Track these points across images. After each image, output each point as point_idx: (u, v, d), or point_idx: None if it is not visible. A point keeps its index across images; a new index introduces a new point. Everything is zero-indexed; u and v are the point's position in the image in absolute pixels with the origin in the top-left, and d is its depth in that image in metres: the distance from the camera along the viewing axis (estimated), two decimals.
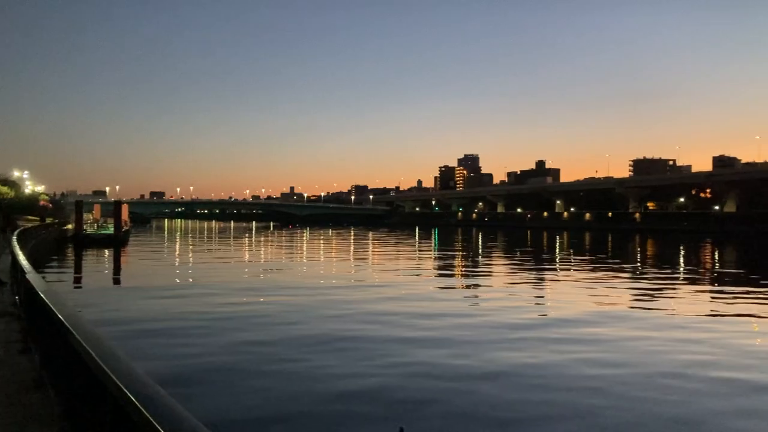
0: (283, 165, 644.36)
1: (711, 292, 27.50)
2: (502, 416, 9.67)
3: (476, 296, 25.55)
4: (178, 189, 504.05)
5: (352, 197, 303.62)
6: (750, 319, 19.60)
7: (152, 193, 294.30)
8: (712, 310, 21.53)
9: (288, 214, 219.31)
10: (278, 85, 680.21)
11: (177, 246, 63.35)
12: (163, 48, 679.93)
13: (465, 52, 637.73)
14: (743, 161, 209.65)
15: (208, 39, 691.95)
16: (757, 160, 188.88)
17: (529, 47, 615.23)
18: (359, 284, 28.89)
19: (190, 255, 49.72)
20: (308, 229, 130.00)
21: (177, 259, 44.67)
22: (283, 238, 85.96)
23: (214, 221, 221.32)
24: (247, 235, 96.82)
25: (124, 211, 65.77)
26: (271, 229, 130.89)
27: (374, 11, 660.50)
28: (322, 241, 75.99)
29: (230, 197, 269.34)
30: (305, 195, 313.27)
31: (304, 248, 61.57)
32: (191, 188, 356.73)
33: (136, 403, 2.61)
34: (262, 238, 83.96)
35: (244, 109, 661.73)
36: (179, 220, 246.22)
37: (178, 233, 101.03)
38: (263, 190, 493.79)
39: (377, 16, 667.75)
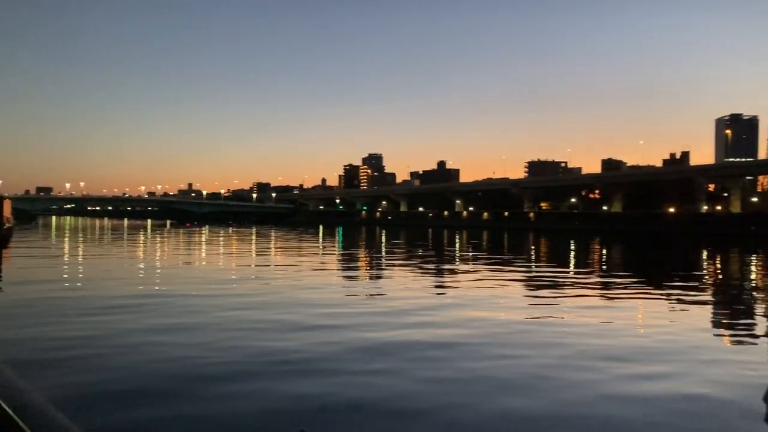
0: (181, 161, 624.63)
1: (593, 285, 28.89)
2: (406, 407, 9.63)
3: (376, 292, 25.58)
4: (68, 185, 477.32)
5: (254, 195, 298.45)
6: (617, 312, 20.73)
7: (39, 189, 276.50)
8: (594, 303, 22.60)
9: (186, 212, 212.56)
10: (176, 79, 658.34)
11: (65, 245, 59.79)
12: (56, 39, 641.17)
13: (369, 52, 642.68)
14: (628, 164, 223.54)
15: (105, 33, 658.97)
16: (641, 164, 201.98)
17: (431, 50, 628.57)
18: (256, 284, 28.27)
19: (78, 255, 47.00)
20: (207, 227, 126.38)
21: (62, 259, 42.07)
22: (180, 236, 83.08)
23: (106, 219, 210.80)
24: (141, 233, 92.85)
25: (6, 206, 61.15)
26: (168, 227, 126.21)
27: (281, 10, 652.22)
28: (221, 240, 74.04)
29: (124, 194, 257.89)
30: (204, 192, 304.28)
31: (202, 247, 59.72)
32: (82, 184, 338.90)
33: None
34: (158, 237, 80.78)
35: (139, 103, 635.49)
36: (69, 217, 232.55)
37: (67, 231, 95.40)
38: (159, 186, 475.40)
39: (282, 14, 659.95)
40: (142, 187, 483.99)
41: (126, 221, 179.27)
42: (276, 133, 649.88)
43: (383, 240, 79.64)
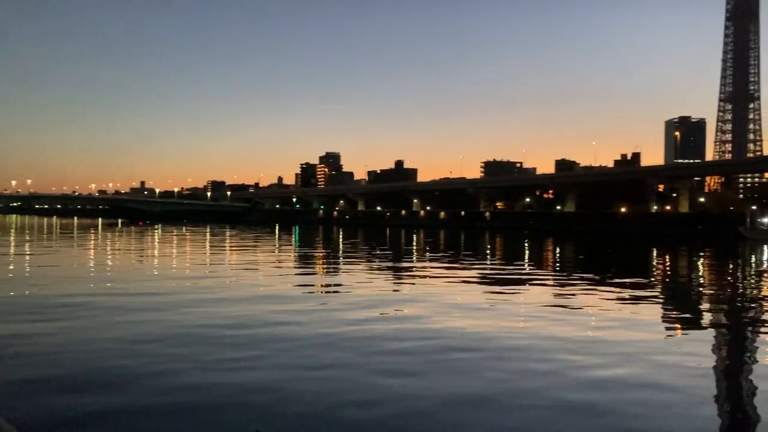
0: (133, 159, 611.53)
1: (544, 284, 29.28)
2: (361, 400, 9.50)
3: (331, 290, 25.39)
4: (14, 182, 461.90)
5: (209, 193, 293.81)
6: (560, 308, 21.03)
7: None
8: (545, 301, 22.88)
9: (138, 211, 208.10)
10: (128, 76, 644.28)
11: (10, 244, 57.81)
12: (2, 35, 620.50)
13: (327, 52, 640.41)
14: (581, 165, 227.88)
15: (52, 28, 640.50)
16: (593, 164, 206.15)
17: (388, 51, 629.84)
18: (209, 283, 27.75)
19: (26, 255, 45.45)
20: (160, 226, 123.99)
21: (6, 258, 40.61)
22: (132, 236, 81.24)
23: (55, 217, 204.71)
24: (92, 232, 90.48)
25: None
26: (120, 226, 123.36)
27: (237, 8, 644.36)
28: (174, 239, 72.63)
29: (74, 192, 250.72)
30: (157, 191, 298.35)
31: (155, 246, 58.48)
32: (29, 182, 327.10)
33: None
34: (109, 236, 78.81)
35: (89, 99, 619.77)
36: (15, 215, 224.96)
37: (13, 230, 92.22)
38: (111, 184, 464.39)
39: (238, 12, 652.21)
40: (93, 186, 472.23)
41: (76, 220, 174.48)
42: (231, 131, 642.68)
43: (341, 239, 79.38)
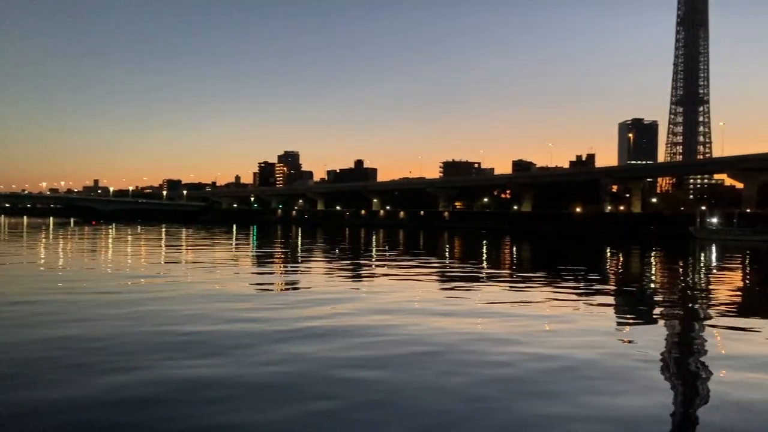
0: (86, 157, 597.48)
1: (501, 280, 29.66)
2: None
3: (289, 287, 25.23)
4: None
5: (164, 192, 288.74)
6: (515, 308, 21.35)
7: None
8: (499, 297, 23.16)
9: (91, 210, 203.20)
10: (82, 72, 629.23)
11: None
12: None
13: (287, 50, 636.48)
14: (538, 165, 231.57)
15: (7, 28, 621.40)
16: (550, 165, 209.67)
17: (349, 50, 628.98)
18: (161, 283, 27.28)
19: None
20: (114, 225, 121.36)
21: None
22: (85, 235, 79.29)
23: (2, 216, 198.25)
24: (43, 231, 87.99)
25: None
26: (72, 225, 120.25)
27: (192, 5, 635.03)
28: (129, 238, 71.15)
29: (23, 190, 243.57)
30: (111, 189, 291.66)
31: (109, 246, 57.18)
32: None
33: None
34: (61, 235, 76.76)
35: (40, 95, 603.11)
36: None
37: None
38: (63, 183, 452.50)
39: (194, 10, 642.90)
40: (44, 184, 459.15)
41: (25, 219, 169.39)
42: (188, 130, 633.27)
43: (299, 238, 78.94)
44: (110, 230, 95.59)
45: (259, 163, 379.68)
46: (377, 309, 19.76)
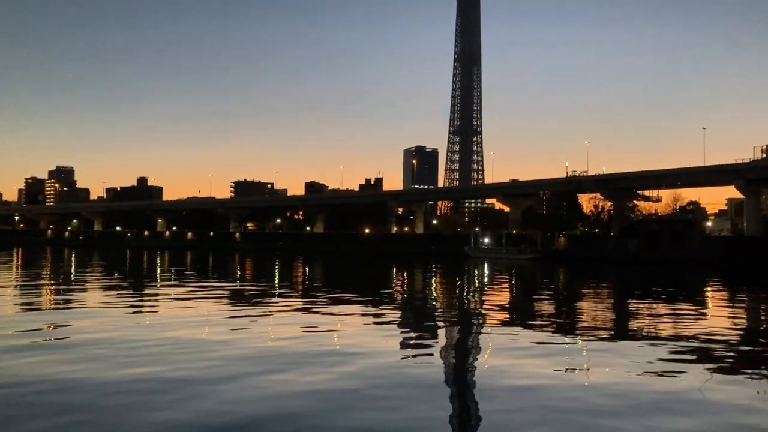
0: None
1: (290, 300, 29.53)
2: None
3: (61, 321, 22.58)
4: None
5: None
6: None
7: None
8: (285, 319, 22.97)
9: None
10: None
11: None
12: None
13: (64, 58, 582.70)
14: (330, 187, 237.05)
15: None
16: (341, 187, 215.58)
17: (133, 64, 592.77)
18: None
19: None
20: None
21: None
22: None
23: None
24: None
25: None
26: None
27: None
28: None
29: None
30: None
31: None
32: None
33: None
34: None
35: None
36: None
37: None
38: None
39: None
40: None
41: None
42: None
43: (73, 261, 71.94)
44: None
45: (26, 179, 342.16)
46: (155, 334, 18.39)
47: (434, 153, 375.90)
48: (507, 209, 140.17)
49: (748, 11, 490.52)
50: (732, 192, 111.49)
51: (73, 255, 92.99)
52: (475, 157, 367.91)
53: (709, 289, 45.42)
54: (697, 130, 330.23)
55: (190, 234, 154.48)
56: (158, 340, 17.51)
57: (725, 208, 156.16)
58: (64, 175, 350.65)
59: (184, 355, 15.39)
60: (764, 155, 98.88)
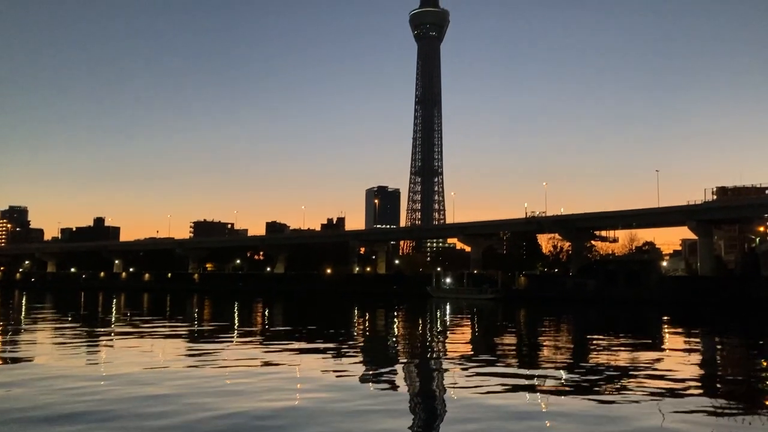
0: None
1: (245, 342, 29.06)
2: None
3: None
4: None
5: None
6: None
7: None
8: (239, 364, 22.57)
9: None
10: None
11: None
12: None
13: (14, 92, 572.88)
14: (291, 227, 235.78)
15: None
16: (303, 227, 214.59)
17: (87, 101, 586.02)
18: None
19: None
20: None
21: None
22: None
23: None
24: None
25: None
26: None
27: None
28: None
29: None
30: None
31: None
32: None
33: None
34: None
35: None
36: None
37: None
38: None
39: None
40: None
41: None
42: None
43: (23, 304, 69.63)
44: None
45: None
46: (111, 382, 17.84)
47: (396, 193, 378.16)
48: (468, 249, 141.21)
49: (699, 57, 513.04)
50: (686, 232, 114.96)
51: (24, 297, 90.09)
52: (436, 197, 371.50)
53: (665, 327, 46.32)
54: (652, 172, 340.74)
55: (147, 275, 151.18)
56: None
57: (680, 248, 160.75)
58: (16, 215, 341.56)
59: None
60: (714, 197, 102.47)
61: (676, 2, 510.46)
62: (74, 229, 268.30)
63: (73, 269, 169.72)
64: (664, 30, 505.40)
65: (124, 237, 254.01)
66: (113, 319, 46.84)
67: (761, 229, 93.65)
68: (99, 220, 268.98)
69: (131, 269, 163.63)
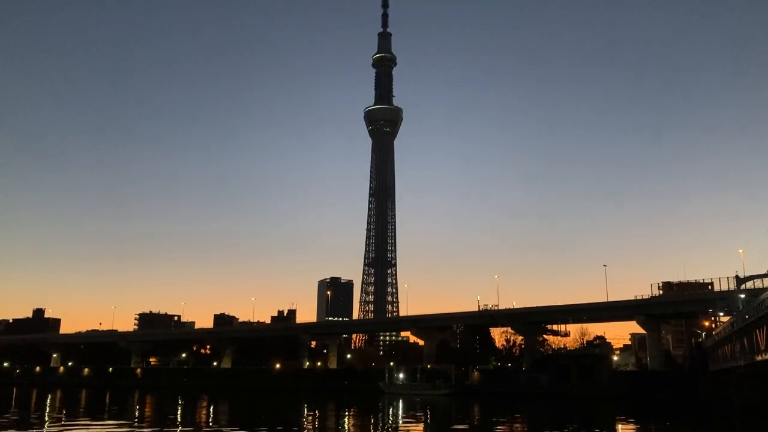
0: None
1: None
2: None
3: None
4: None
5: None
6: None
7: None
8: None
9: None
10: None
11: None
12: None
13: None
14: (240, 320, 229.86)
15: None
16: (252, 319, 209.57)
17: (25, 183, 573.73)
18: None
19: None
20: None
21: None
22: None
23: None
24: None
25: None
26: None
27: None
28: None
29: None
30: None
31: None
32: None
33: None
34: None
35: None
36: None
37: None
38: None
39: None
40: None
41: None
42: None
43: None
44: None
45: None
46: None
47: (349, 284, 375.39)
48: (421, 342, 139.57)
49: (641, 151, 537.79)
50: (635, 327, 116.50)
51: None
52: (390, 289, 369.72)
53: (619, 425, 46.00)
54: (600, 267, 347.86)
55: (86, 370, 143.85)
56: None
57: (629, 342, 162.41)
58: None
59: None
60: (661, 292, 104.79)
61: (604, 92, 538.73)
62: (11, 321, 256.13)
63: (6, 364, 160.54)
64: (613, 127, 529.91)
65: (65, 329, 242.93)
66: (46, 421, 43.93)
67: (707, 323, 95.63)
68: (39, 312, 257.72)
69: (70, 363, 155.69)
